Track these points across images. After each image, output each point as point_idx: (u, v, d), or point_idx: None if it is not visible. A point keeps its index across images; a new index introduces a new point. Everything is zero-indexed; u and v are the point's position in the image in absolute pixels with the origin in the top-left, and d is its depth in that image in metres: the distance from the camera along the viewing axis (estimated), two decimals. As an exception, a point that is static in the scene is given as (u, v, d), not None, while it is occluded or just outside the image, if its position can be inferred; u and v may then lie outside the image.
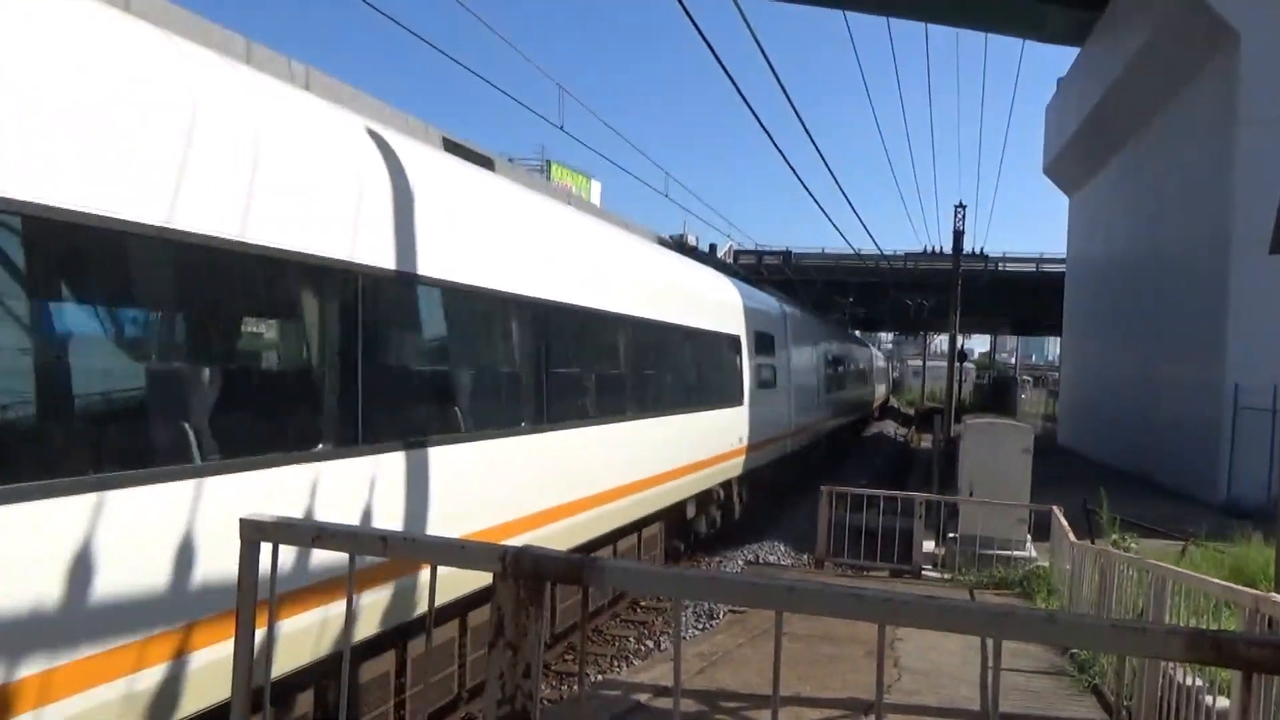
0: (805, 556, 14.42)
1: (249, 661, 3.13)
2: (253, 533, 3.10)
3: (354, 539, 3.26)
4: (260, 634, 3.11)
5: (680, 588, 2.73)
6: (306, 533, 3.20)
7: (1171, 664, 6.01)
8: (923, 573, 12.92)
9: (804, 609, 2.35)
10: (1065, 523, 11.20)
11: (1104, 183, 32.31)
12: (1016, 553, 12.90)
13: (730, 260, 48.04)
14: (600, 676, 8.81)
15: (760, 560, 14.58)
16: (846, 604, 2.31)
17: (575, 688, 8.56)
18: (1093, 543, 10.93)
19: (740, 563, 14.26)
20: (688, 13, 7.75)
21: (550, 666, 8.95)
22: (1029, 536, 13.43)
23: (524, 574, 2.73)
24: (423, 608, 6.04)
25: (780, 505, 19.09)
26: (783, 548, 15.58)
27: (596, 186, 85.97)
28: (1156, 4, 23.21)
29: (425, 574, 5.81)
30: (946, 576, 12.64)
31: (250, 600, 3.12)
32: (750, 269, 49.21)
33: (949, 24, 31.18)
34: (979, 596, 11.21)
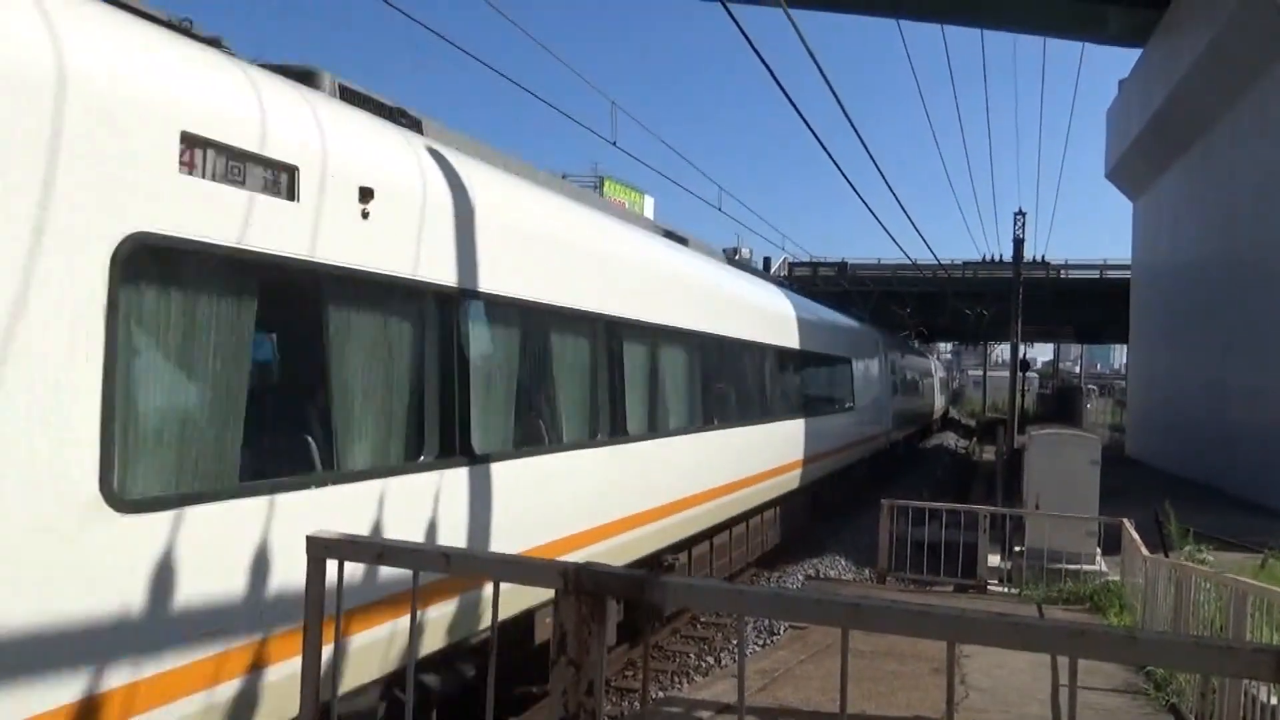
0: (867, 571, 14.21)
1: (316, 674, 3.17)
2: (319, 550, 3.15)
3: (417, 555, 3.29)
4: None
5: (743, 605, 2.70)
6: (371, 550, 3.25)
7: (1254, 682, 5.79)
8: (988, 587, 12.64)
9: (871, 627, 2.31)
10: (1136, 536, 10.88)
11: (1170, 186, 31.50)
12: (1086, 566, 12.57)
13: (784, 273, 47.74)
14: (661, 693, 8.76)
15: (821, 575, 14.39)
16: (915, 622, 2.26)
17: (637, 704, 8.52)
18: (1166, 556, 10.60)
19: (800, 577, 14.10)
20: (743, 32, 7.75)
21: (610, 683, 8.93)
22: (1099, 550, 13.08)
23: (585, 590, 2.72)
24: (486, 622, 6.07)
25: (840, 519, 18.85)
26: (843, 562, 15.37)
27: (649, 201, 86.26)
28: (1222, 1, 22.62)
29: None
30: (1013, 591, 12.35)
31: (317, 615, 3.17)
32: (805, 281, 48.88)
33: (1006, 29, 30.76)
34: (1047, 612, 10.93)
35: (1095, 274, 50.66)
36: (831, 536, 17.31)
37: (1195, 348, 27.59)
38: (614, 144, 13.11)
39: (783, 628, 10.12)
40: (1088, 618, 10.64)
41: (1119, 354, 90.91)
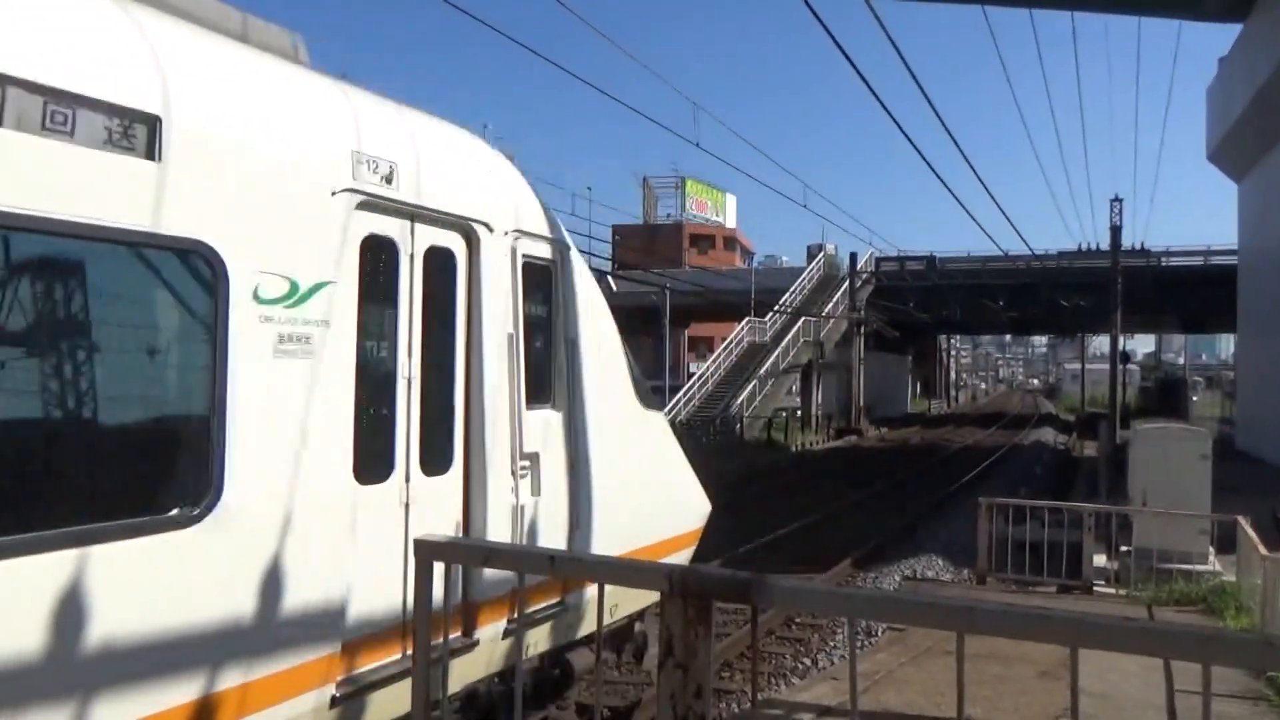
0: (965, 571, 13.89)
1: (426, 674, 3.24)
2: (427, 553, 3.23)
3: (522, 558, 3.34)
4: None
5: (854, 608, 2.67)
6: (478, 553, 3.31)
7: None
8: (1094, 588, 12.23)
9: (988, 631, 2.26)
10: (1253, 534, 10.39)
11: (1278, 164, 30.02)
12: (1198, 566, 12.05)
13: (872, 268, 46.99)
14: (760, 695, 8.72)
15: (918, 575, 14.12)
16: (1035, 626, 2.20)
17: (734, 706, 8.50)
18: (1287, 555, 10.10)
19: (897, 578, 13.86)
20: (826, 28, 7.68)
21: (706, 684, 8.90)
22: (1212, 549, 12.53)
23: (691, 593, 2.72)
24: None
25: (936, 517, 18.49)
26: (940, 562, 15.06)
27: (732, 200, 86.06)
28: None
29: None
30: (1121, 592, 11.92)
31: (425, 616, 3.24)
32: (893, 275, 47.97)
33: (1098, 10, 29.72)
34: (1159, 614, 10.52)
35: (1199, 260, 48.59)
36: (928, 536, 16.98)
37: (1311, 335, 26.23)
38: (697, 145, 13.08)
39: (880, 630, 9.96)
40: (1202, 620, 10.20)
41: (1226, 344, 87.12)
